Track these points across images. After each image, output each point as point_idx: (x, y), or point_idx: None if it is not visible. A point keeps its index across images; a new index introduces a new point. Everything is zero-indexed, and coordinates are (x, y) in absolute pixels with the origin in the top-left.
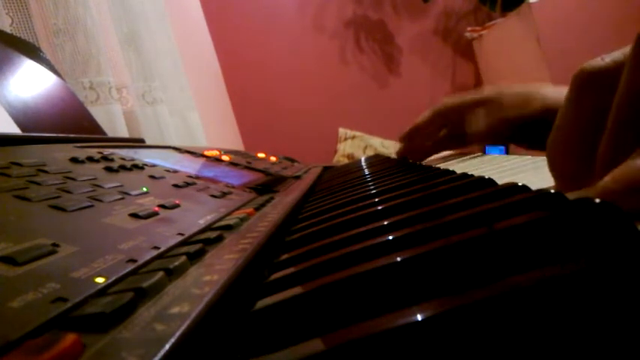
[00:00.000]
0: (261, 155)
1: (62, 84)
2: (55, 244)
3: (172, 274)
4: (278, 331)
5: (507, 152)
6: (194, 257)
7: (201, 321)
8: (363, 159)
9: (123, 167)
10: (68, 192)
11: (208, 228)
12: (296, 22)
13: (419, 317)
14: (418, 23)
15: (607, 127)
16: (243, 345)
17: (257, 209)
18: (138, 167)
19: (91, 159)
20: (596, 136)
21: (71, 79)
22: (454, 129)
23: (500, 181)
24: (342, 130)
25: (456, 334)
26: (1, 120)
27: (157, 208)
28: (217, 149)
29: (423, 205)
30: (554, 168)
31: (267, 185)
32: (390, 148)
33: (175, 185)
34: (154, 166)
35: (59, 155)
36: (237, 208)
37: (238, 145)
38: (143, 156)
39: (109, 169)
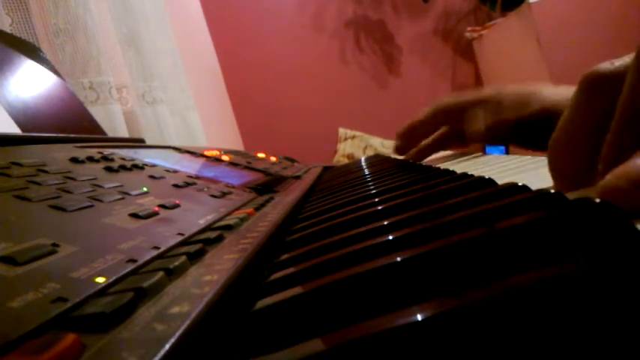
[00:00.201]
0: (261, 155)
1: (62, 84)
2: (55, 244)
3: (172, 274)
4: (278, 331)
5: (507, 152)
6: (194, 257)
7: (202, 321)
8: (363, 159)
9: (123, 167)
10: (68, 192)
11: (208, 228)
12: (296, 22)
13: (419, 317)
14: (418, 23)
15: (610, 129)
16: (243, 345)
17: (257, 209)
18: (138, 167)
19: (91, 159)
20: (601, 139)
21: (71, 79)
22: (453, 127)
23: (500, 181)
24: (342, 130)
25: (455, 334)
26: (1, 120)
27: (157, 208)
28: (217, 149)
29: (423, 205)
30: (555, 168)
31: (267, 185)
32: (390, 148)
33: (175, 185)
34: (154, 166)
35: (59, 155)
36: (237, 208)
37: (238, 145)
38: (143, 156)
39: (109, 169)
